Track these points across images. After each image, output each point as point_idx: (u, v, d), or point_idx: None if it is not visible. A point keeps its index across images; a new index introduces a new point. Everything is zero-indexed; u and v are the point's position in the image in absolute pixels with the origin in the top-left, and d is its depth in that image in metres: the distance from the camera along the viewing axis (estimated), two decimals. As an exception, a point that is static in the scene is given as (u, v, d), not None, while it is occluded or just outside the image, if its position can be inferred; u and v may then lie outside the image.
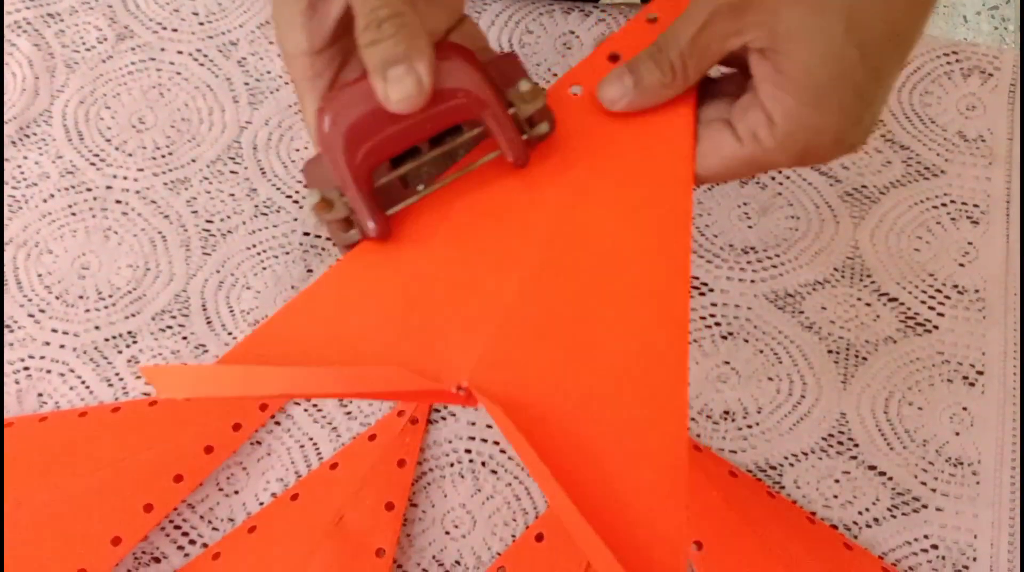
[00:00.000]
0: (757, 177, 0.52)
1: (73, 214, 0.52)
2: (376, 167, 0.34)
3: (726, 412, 0.48)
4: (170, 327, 0.50)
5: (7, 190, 0.53)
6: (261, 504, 0.46)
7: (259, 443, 0.48)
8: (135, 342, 0.49)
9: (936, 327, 0.49)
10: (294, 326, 0.34)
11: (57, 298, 0.50)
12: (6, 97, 0.55)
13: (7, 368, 0.49)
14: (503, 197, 0.36)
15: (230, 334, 0.49)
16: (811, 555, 0.44)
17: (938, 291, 0.50)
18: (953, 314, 0.49)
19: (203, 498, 0.47)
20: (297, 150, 0.54)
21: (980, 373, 0.48)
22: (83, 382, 0.49)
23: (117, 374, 0.49)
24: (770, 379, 0.48)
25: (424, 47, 0.32)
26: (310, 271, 0.51)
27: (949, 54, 0.55)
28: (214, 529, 0.46)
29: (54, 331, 0.50)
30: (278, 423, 0.48)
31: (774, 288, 0.50)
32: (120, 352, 0.49)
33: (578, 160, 0.36)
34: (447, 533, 0.46)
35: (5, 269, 0.51)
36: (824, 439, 0.47)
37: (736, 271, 0.50)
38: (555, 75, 0.55)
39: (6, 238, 0.51)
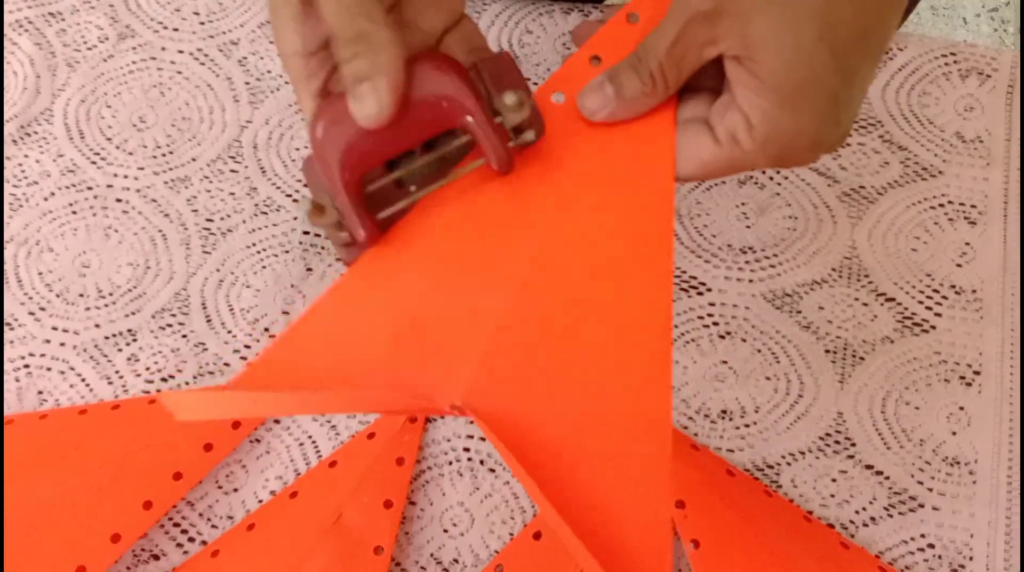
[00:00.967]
0: (755, 177, 0.52)
1: (74, 212, 0.52)
2: (365, 174, 0.34)
3: (723, 411, 0.48)
4: (170, 325, 0.50)
5: (8, 188, 0.53)
6: (260, 502, 0.47)
7: (258, 441, 0.48)
8: (135, 340, 0.50)
9: (933, 327, 0.49)
10: (296, 349, 0.35)
11: (57, 296, 0.51)
12: (8, 96, 0.55)
13: (8, 366, 0.49)
14: (490, 206, 0.36)
15: (230, 332, 0.50)
16: (808, 554, 0.44)
17: (935, 291, 0.50)
18: (950, 314, 0.49)
19: (202, 496, 0.47)
20: (297, 149, 0.54)
21: (977, 373, 0.48)
22: (83, 380, 0.49)
23: (117, 372, 0.49)
24: (767, 378, 0.48)
25: (386, 65, 0.32)
26: (309, 270, 0.51)
27: (947, 55, 0.55)
28: (213, 527, 0.46)
29: (54, 329, 0.50)
30: (277, 421, 0.48)
31: (772, 288, 0.50)
32: (120, 350, 0.49)
33: (561, 167, 0.36)
34: (445, 531, 0.46)
35: (6, 267, 0.51)
36: (821, 438, 0.47)
37: (734, 271, 0.50)
38: (554, 75, 0.55)
39: (7, 236, 0.52)
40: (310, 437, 0.48)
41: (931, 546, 0.45)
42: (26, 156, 0.54)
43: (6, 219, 0.52)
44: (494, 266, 0.36)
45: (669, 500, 0.33)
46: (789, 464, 0.47)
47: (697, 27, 0.33)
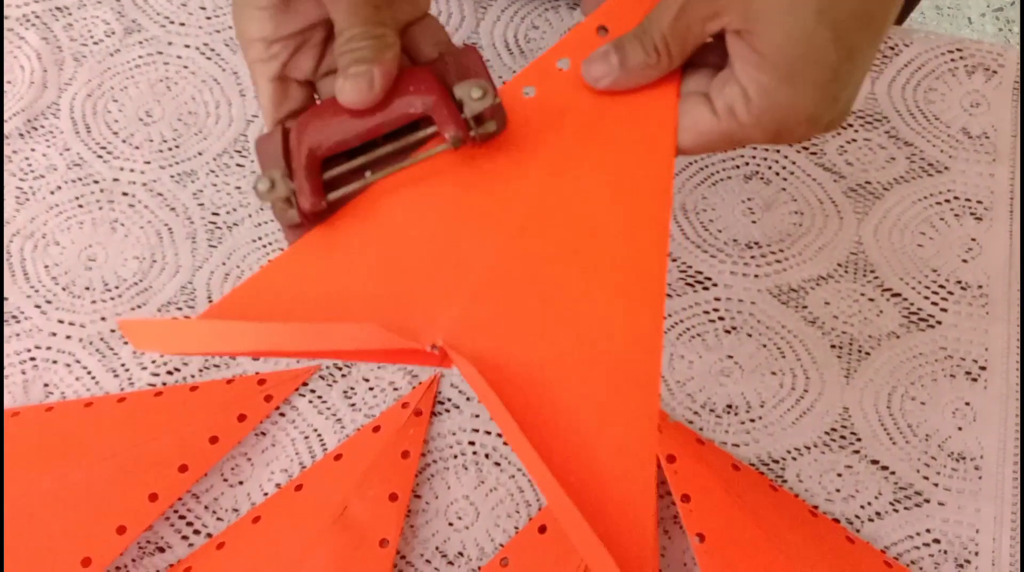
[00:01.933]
0: (761, 172, 0.52)
1: (80, 206, 0.52)
2: (329, 155, 0.35)
3: (729, 406, 0.48)
4: (175, 318, 0.50)
5: (15, 182, 0.53)
6: (265, 495, 0.47)
7: (264, 434, 0.48)
8: (141, 333, 0.50)
9: (939, 322, 0.49)
10: (274, 286, 0.35)
11: (64, 289, 0.51)
12: (14, 90, 0.55)
13: (14, 358, 0.49)
14: (488, 161, 0.37)
15: (235, 326, 0.50)
16: (813, 549, 0.44)
17: (941, 287, 0.50)
18: (956, 310, 0.49)
19: (208, 488, 0.47)
20: (303, 144, 0.54)
21: (983, 368, 0.48)
22: (89, 373, 0.49)
23: (123, 365, 0.49)
24: (773, 373, 0.48)
25: (388, 60, 0.34)
26: (315, 264, 0.51)
27: (953, 51, 0.55)
28: (219, 519, 0.46)
29: (60, 322, 0.50)
30: (283, 414, 0.48)
31: (778, 283, 0.50)
32: (126, 343, 0.49)
33: (562, 129, 0.37)
34: (450, 524, 0.46)
35: (13, 260, 0.51)
36: (827, 433, 0.47)
37: (740, 266, 0.50)
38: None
39: (14, 230, 0.52)
40: (315, 430, 0.48)
41: (936, 541, 0.45)
42: (33, 150, 0.54)
43: (12, 213, 0.52)
44: (486, 219, 0.36)
45: (654, 454, 0.33)
46: (795, 459, 0.47)
47: (700, 1, 0.34)
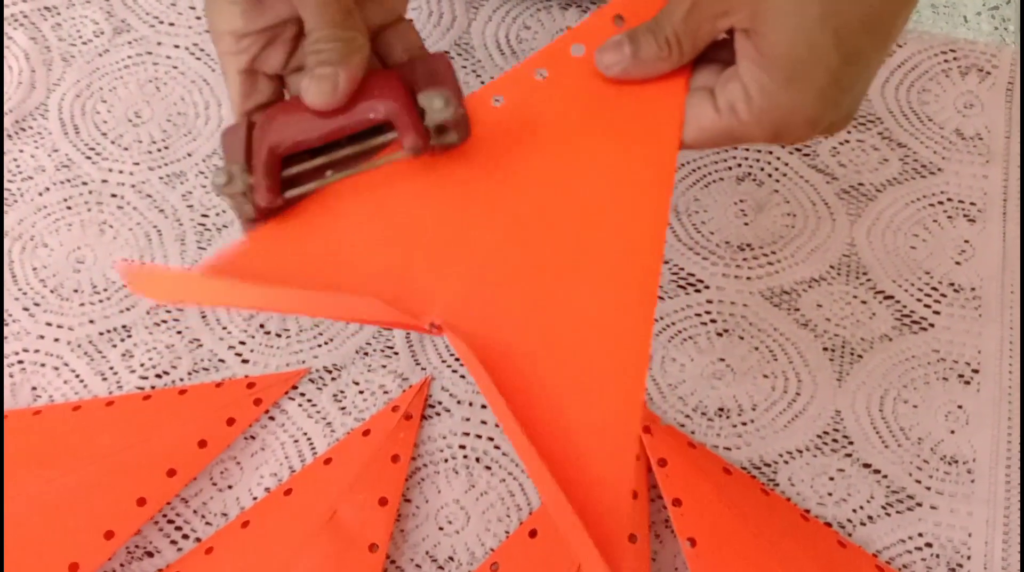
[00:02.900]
0: (754, 174, 0.52)
1: (68, 208, 0.52)
2: (288, 154, 0.35)
3: (721, 409, 0.48)
4: (164, 321, 0.50)
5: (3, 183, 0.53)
6: (254, 499, 0.46)
7: (253, 437, 0.47)
8: (129, 336, 0.49)
9: (932, 325, 0.49)
10: (278, 246, 0.36)
11: (52, 292, 0.50)
12: (2, 90, 0.54)
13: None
14: (493, 144, 0.37)
15: (224, 329, 0.49)
16: (805, 553, 0.44)
17: (934, 289, 0.50)
18: (949, 312, 0.49)
19: (196, 492, 0.46)
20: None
21: (976, 371, 0.48)
22: (77, 376, 0.49)
23: (111, 368, 0.49)
24: (765, 376, 0.48)
25: (356, 63, 0.35)
26: (305, 266, 0.51)
27: (947, 52, 0.55)
28: (207, 523, 0.46)
29: (48, 324, 0.50)
30: (272, 418, 0.48)
31: (770, 285, 0.50)
32: (114, 346, 0.49)
33: (571, 115, 0.38)
34: (441, 529, 0.46)
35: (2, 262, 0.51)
36: (819, 436, 0.47)
37: (732, 268, 0.50)
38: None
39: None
40: (305, 434, 0.47)
41: (929, 545, 0.45)
42: (21, 151, 0.53)
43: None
44: (490, 198, 0.37)
45: (636, 437, 0.34)
46: (787, 462, 0.47)
47: None
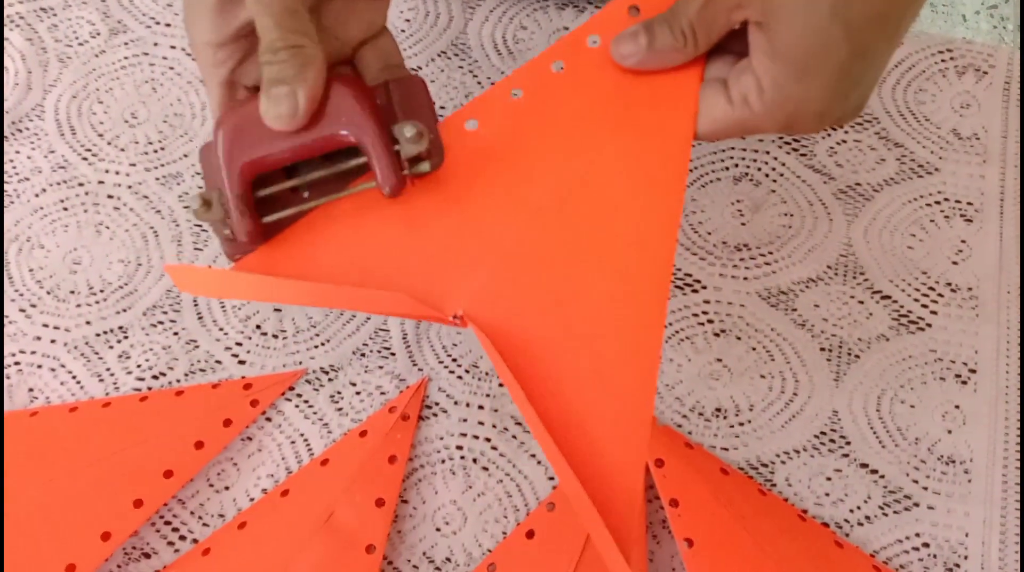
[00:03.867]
0: (751, 174, 0.52)
1: (65, 209, 0.52)
2: (256, 177, 0.35)
3: (718, 409, 0.48)
4: (161, 322, 0.50)
5: (-1, 185, 0.53)
6: (251, 500, 0.46)
7: (250, 439, 0.47)
8: (126, 337, 0.49)
9: (929, 325, 0.49)
10: (308, 242, 0.37)
11: (48, 293, 0.50)
12: (-2, 91, 0.54)
13: (-2, 363, 0.49)
14: (514, 139, 0.38)
15: (221, 330, 0.49)
16: (802, 553, 0.44)
17: (931, 289, 0.50)
18: (946, 312, 0.49)
19: (193, 494, 0.46)
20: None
21: (973, 371, 0.48)
22: (74, 377, 0.49)
23: (108, 369, 0.49)
24: (762, 377, 0.48)
25: (311, 76, 0.34)
26: (302, 267, 0.51)
27: (944, 51, 0.55)
28: (204, 525, 0.46)
29: (45, 326, 0.50)
30: (269, 419, 0.48)
31: (767, 285, 0.50)
32: (111, 347, 0.49)
33: (586, 105, 0.39)
34: (438, 530, 0.46)
35: (-4, 264, 0.51)
36: (816, 437, 0.47)
37: (729, 268, 0.50)
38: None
39: (-3, 233, 0.51)
40: (302, 435, 0.47)
41: (926, 545, 0.45)
42: (17, 152, 0.53)
43: (-3, 215, 0.52)
44: (509, 191, 0.38)
45: (648, 429, 0.35)
46: (784, 463, 0.47)
47: None
